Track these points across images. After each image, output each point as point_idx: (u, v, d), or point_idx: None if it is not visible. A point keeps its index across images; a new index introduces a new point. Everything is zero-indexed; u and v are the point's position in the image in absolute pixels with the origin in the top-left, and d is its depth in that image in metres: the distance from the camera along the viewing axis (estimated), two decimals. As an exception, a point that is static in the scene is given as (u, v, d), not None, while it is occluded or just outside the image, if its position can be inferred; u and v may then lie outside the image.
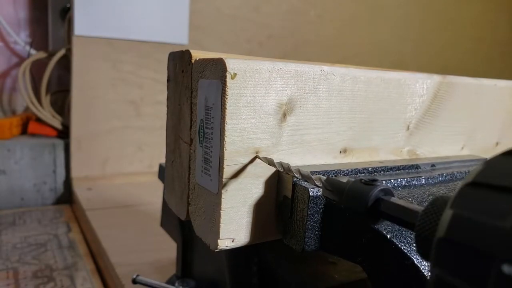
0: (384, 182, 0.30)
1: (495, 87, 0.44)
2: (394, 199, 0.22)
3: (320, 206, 0.28)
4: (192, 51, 0.32)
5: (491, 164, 0.17)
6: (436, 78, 0.39)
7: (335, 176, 0.26)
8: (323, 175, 0.26)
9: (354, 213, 0.23)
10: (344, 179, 0.24)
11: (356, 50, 1.40)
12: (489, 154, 0.45)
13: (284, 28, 1.25)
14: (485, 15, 1.72)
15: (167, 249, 0.59)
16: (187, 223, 0.38)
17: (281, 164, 0.28)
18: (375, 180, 0.23)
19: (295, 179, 0.28)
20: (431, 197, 0.29)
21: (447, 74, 0.40)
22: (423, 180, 0.32)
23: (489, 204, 0.15)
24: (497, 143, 0.47)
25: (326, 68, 0.31)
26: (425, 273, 0.23)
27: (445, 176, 0.34)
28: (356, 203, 0.23)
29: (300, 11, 1.27)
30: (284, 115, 0.30)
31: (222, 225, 0.29)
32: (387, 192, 0.23)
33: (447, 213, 0.16)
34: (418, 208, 0.20)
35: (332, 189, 0.24)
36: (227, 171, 0.28)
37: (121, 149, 1.02)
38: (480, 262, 0.14)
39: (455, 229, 0.16)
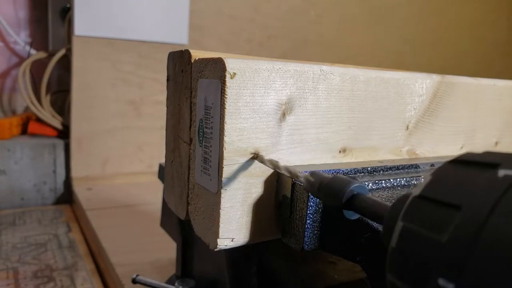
0: (383, 181, 0.30)
1: (494, 86, 0.44)
2: (367, 195, 0.23)
3: (319, 206, 0.28)
4: (191, 51, 0.32)
5: (438, 176, 0.18)
6: (435, 78, 0.39)
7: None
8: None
9: (332, 208, 0.24)
10: (323, 176, 0.25)
11: (356, 50, 1.40)
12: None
13: (284, 28, 1.25)
14: (485, 15, 1.72)
15: (167, 249, 0.59)
16: (186, 223, 0.38)
17: (271, 161, 0.28)
18: (351, 177, 0.24)
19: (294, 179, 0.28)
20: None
21: (447, 74, 0.40)
22: (423, 179, 0.32)
23: (431, 219, 0.16)
24: (496, 143, 0.47)
25: (325, 67, 0.31)
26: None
27: (444, 176, 0.34)
28: (332, 198, 0.23)
29: (300, 11, 1.27)
30: (284, 114, 0.30)
31: (221, 225, 0.29)
32: (362, 188, 0.23)
33: (399, 225, 0.18)
34: (387, 207, 0.21)
35: (313, 185, 0.25)
36: (227, 170, 0.28)
37: (121, 149, 1.02)
38: (422, 273, 0.16)
39: (403, 241, 0.17)
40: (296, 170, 0.26)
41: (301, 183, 0.26)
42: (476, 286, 0.14)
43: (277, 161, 0.28)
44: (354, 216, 0.23)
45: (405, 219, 0.17)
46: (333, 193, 0.23)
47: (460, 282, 0.14)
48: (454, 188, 0.17)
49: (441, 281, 0.14)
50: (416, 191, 0.18)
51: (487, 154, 0.18)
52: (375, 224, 0.26)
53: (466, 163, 0.18)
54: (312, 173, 0.25)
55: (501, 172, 0.16)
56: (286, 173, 0.27)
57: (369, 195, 0.23)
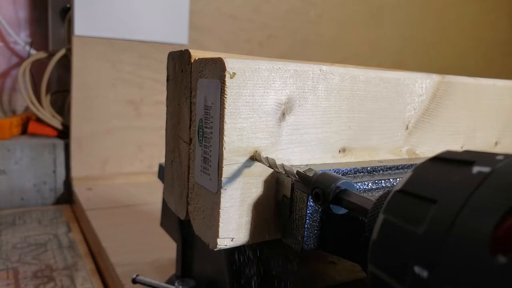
0: (383, 181, 0.30)
1: (494, 86, 0.44)
2: (353, 191, 0.24)
3: (319, 206, 0.28)
4: (191, 51, 0.32)
5: (418, 172, 0.19)
6: (435, 78, 0.39)
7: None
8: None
9: (320, 203, 0.25)
10: (313, 172, 0.25)
11: (356, 50, 1.40)
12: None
13: (284, 28, 1.25)
14: (485, 15, 1.72)
15: (167, 249, 0.59)
16: (186, 223, 0.38)
17: (267, 159, 0.28)
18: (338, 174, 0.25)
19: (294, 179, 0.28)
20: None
21: (447, 74, 0.40)
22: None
23: (410, 212, 0.17)
24: (496, 143, 0.47)
25: (325, 67, 0.32)
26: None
27: (444, 176, 0.34)
28: (321, 194, 0.24)
29: (300, 11, 1.27)
30: (283, 114, 0.30)
31: (221, 224, 0.29)
32: (349, 184, 0.24)
33: (380, 218, 0.19)
34: (371, 202, 0.22)
35: (303, 182, 0.25)
36: (226, 170, 0.28)
37: (121, 149, 1.02)
38: (401, 262, 0.17)
39: (383, 233, 0.18)
40: (290, 167, 0.27)
41: (293, 179, 0.26)
42: (447, 275, 0.15)
43: (273, 159, 0.28)
44: (341, 211, 0.24)
45: (386, 212, 0.18)
46: (322, 189, 0.24)
47: (433, 270, 0.15)
48: (432, 183, 0.18)
49: (416, 269, 0.16)
50: (397, 186, 0.19)
51: (466, 152, 0.19)
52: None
53: (445, 161, 0.19)
54: (303, 170, 0.26)
55: (475, 169, 0.17)
56: (280, 170, 0.27)
57: (356, 191, 0.24)
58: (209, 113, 0.29)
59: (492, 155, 0.17)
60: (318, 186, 0.24)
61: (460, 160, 0.18)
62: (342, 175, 0.30)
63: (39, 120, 1.03)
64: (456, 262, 0.14)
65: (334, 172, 0.30)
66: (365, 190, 0.29)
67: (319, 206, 0.28)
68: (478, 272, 0.14)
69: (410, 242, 0.16)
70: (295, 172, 0.26)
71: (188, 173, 0.33)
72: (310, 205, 0.27)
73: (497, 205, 0.15)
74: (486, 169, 0.16)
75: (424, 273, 0.15)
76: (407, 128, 0.38)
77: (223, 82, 0.27)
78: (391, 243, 0.17)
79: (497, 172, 0.16)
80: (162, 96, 1.03)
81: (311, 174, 0.25)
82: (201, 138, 0.30)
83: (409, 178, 0.19)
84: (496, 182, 0.15)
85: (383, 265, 0.18)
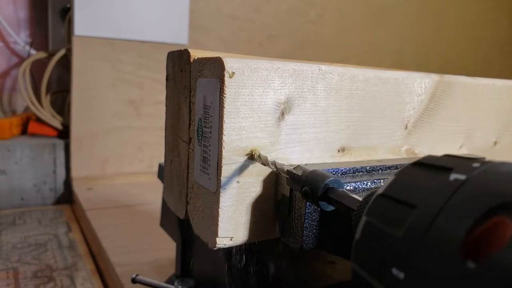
0: (382, 180, 0.30)
1: (493, 86, 0.44)
2: (341, 189, 0.24)
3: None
4: (190, 50, 0.32)
5: (399, 177, 0.20)
6: (434, 78, 0.39)
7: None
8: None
9: (310, 200, 0.25)
10: (303, 170, 0.26)
11: (356, 50, 1.40)
12: (487, 153, 0.45)
13: (284, 28, 1.25)
14: (485, 15, 1.72)
15: (166, 248, 0.59)
16: (186, 222, 0.38)
17: (259, 156, 0.28)
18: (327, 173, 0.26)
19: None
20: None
21: (447, 74, 0.40)
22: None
23: (390, 215, 0.18)
24: (495, 142, 0.47)
25: (324, 67, 0.32)
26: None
27: (443, 175, 0.34)
28: (310, 191, 0.25)
29: (300, 11, 1.27)
30: (282, 114, 0.30)
31: (220, 224, 0.29)
32: (337, 182, 0.25)
33: (363, 220, 0.20)
34: (357, 201, 0.22)
35: (293, 180, 0.26)
36: (225, 169, 0.28)
37: (121, 149, 1.02)
38: (380, 263, 0.18)
39: (365, 234, 0.19)
40: (282, 165, 0.27)
41: (286, 177, 0.27)
42: (421, 278, 0.15)
43: (266, 157, 0.28)
44: (330, 208, 0.25)
45: (368, 214, 0.19)
46: (311, 186, 0.25)
47: (409, 273, 0.16)
48: (412, 188, 0.19)
49: (394, 271, 0.17)
50: (380, 190, 0.20)
51: (446, 158, 0.20)
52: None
53: (425, 166, 0.20)
54: (294, 168, 0.26)
55: (452, 176, 0.18)
56: (272, 168, 0.27)
57: (344, 189, 0.24)
58: (208, 112, 0.29)
59: (470, 162, 0.18)
60: (307, 184, 0.25)
61: (440, 166, 0.19)
62: (340, 175, 0.30)
63: (39, 120, 1.03)
64: (430, 266, 0.15)
65: (333, 171, 0.30)
66: (364, 190, 0.29)
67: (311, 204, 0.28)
68: (450, 276, 0.15)
69: (389, 244, 0.17)
70: (286, 169, 0.27)
71: (188, 173, 0.33)
72: (309, 205, 0.27)
73: (469, 212, 0.15)
74: (462, 177, 0.17)
75: (401, 275, 0.16)
76: (406, 127, 0.38)
77: (222, 82, 0.27)
78: (372, 244, 0.18)
79: (472, 180, 0.17)
80: (162, 96, 1.03)
81: (300, 172, 0.26)
82: (200, 138, 0.30)
83: (391, 182, 0.20)
84: (469, 190, 0.16)
85: (365, 265, 0.18)
